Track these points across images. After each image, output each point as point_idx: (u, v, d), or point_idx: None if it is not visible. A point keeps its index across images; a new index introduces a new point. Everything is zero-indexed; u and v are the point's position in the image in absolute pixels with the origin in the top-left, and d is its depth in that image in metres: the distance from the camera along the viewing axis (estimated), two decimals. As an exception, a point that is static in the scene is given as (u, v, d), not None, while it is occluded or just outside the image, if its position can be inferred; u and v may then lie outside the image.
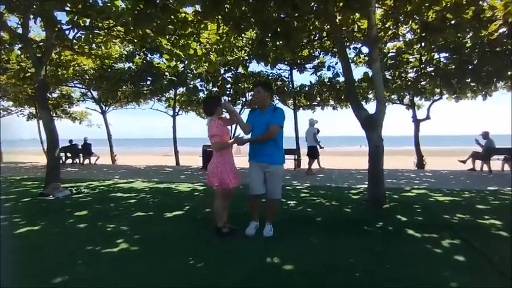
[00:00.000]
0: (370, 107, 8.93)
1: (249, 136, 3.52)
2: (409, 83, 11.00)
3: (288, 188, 6.68)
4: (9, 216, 4.37)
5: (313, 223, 4.10)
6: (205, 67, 9.27)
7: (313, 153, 9.58)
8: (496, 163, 9.96)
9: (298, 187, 6.90)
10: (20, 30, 6.76)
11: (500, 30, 6.97)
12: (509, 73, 9.35)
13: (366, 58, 10.47)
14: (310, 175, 9.19)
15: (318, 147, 9.66)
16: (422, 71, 10.57)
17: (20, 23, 6.90)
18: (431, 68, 10.45)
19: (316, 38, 9.96)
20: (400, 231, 3.69)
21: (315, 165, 9.85)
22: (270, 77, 12.30)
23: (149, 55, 11.91)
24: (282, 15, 6.31)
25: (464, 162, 10.61)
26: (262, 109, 3.45)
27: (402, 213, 4.45)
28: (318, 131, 9.62)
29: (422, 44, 7.72)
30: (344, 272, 2.59)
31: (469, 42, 8.74)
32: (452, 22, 5.90)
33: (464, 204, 5.13)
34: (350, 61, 10.55)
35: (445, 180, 7.98)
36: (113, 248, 3.13)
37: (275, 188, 3.40)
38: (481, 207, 4.88)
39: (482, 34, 7.11)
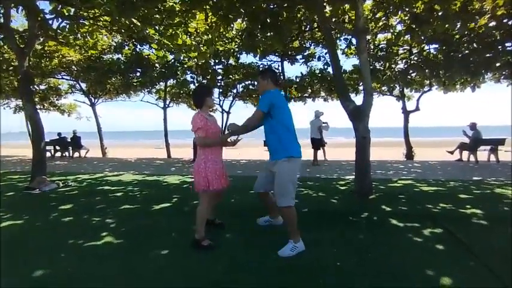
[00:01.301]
0: (361, 99, 8.96)
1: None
2: (398, 74, 11.06)
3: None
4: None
5: (298, 214, 4.12)
6: (195, 60, 9.13)
7: (316, 145, 9.58)
8: (483, 154, 10.16)
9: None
10: (1, 20, 6.54)
11: (490, 25, 7.01)
12: (497, 64, 9.46)
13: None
14: (316, 166, 9.27)
15: (323, 140, 9.75)
16: (411, 62, 10.62)
17: (1, 12, 6.67)
18: (420, 59, 10.50)
19: (307, 29, 9.89)
20: (384, 222, 3.75)
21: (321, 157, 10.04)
22: (260, 68, 12.20)
23: (138, 46, 11.67)
24: (271, 6, 6.23)
25: (452, 152, 10.79)
26: None
27: (387, 204, 4.52)
28: (326, 124, 9.62)
29: (411, 35, 7.73)
30: (328, 263, 2.63)
31: (458, 33, 8.78)
32: (440, 13, 5.90)
33: (448, 194, 5.24)
34: (341, 52, 10.58)
35: (432, 171, 8.12)
36: (97, 241, 3.12)
37: (277, 190, 2.84)
38: (464, 196, 4.99)
39: (472, 26, 7.13)
